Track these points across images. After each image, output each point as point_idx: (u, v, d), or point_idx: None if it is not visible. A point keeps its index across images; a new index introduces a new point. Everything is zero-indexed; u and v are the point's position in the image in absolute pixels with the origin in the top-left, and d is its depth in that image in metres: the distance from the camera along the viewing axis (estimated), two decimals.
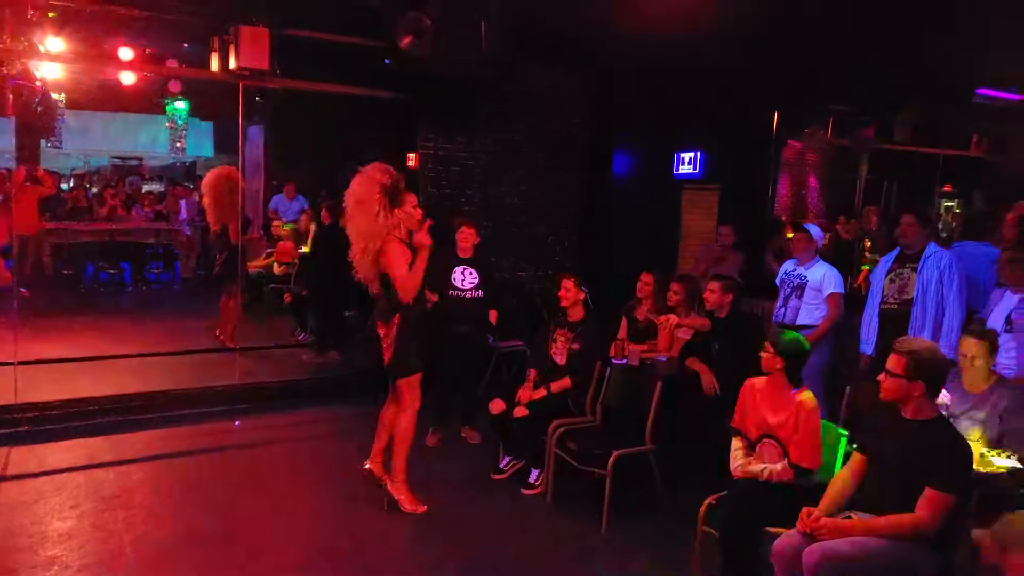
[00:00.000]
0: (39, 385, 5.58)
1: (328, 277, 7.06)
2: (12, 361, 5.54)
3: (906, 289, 4.59)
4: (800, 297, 4.97)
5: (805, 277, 4.98)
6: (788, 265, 5.24)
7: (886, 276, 4.75)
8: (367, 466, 4.25)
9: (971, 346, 3.40)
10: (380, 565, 3.60)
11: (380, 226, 3.96)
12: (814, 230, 5.25)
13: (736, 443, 3.52)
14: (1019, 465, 3.11)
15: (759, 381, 3.51)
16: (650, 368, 4.64)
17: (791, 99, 7.01)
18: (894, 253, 4.81)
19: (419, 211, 4.14)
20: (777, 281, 5.27)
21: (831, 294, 4.87)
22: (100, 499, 4.21)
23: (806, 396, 3.32)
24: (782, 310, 5.06)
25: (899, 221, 4.76)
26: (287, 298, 8.07)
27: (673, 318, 4.73)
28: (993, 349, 3.38)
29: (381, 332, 4.10)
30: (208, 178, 7.20)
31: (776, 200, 7.90)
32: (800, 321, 4.89)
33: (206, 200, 7.15)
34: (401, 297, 3.99)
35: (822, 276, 4.93)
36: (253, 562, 3.59)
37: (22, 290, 9.14)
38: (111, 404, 5.55)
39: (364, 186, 4.01)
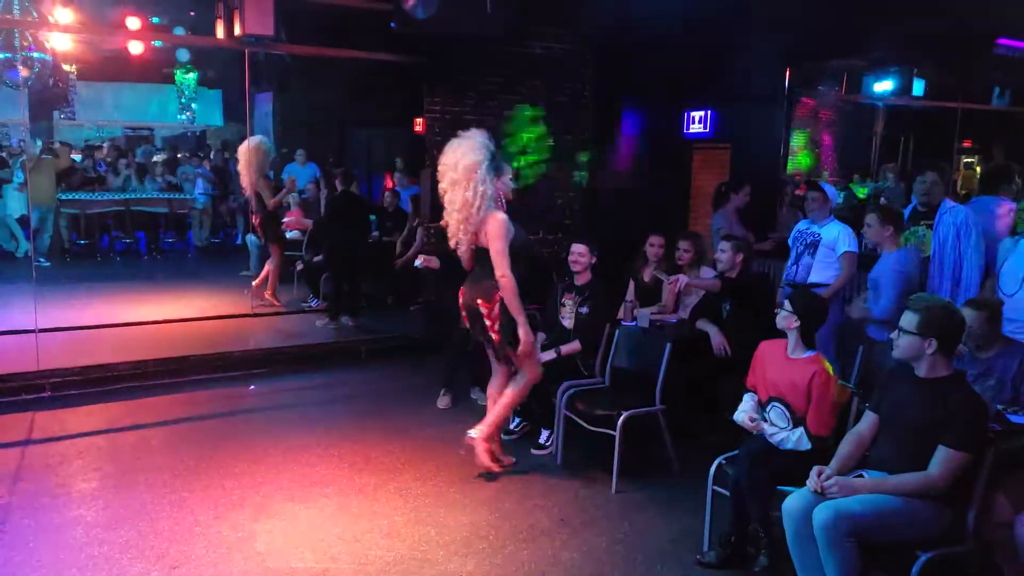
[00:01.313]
0: (60, 352, 5.70)
1: (341, 244, 7.12)
2: (33, 329, 5.66)
3: (922, 247, 4.53)
4: (813, 255, 4.94)
5: (819, 235, 4.94)
6: (802, 224, 5.20)
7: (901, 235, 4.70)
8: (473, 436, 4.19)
9: (969, 316, 3.35)
10: (388, 529, 3.67)
11: (486, 196, 3.84)
12: (828, 188, 5.19)
13: (748, 398, 3.51)
14: None
15: (773, 343, 3.48)
16: (659, 330, 4.65)
17: (804, 55, 6.86)
18: (907, 211, 4.74)
19: (512, 184, 4.07)
20: (789, 240, 5.23)
21: (845, 252, 4.83)
22: (121, 461, 4.33)
23: (822, 364, 3.27)
24: (794, 268, 5.03)
25: (921, 178, 4.62)
26: (299, 265, 8.14)
27: (683, 278, 4.72)
28: (993, 318, 3.31)
29: (484, 309, 3.96)
30: (243, 147, 7.34)
31: (786, 158, 7.79)
32: (812, 279, 4.86)
33: (241, 167, 7.33)
34: (498, 272, 3.85)
35: (836, 235, 4.88)
36: (267, 522, 3.68)
37: (41, 260, 9.32)
38: (130, 370, 5.67)
39: (471, 153, 3.85)
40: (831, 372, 3.28)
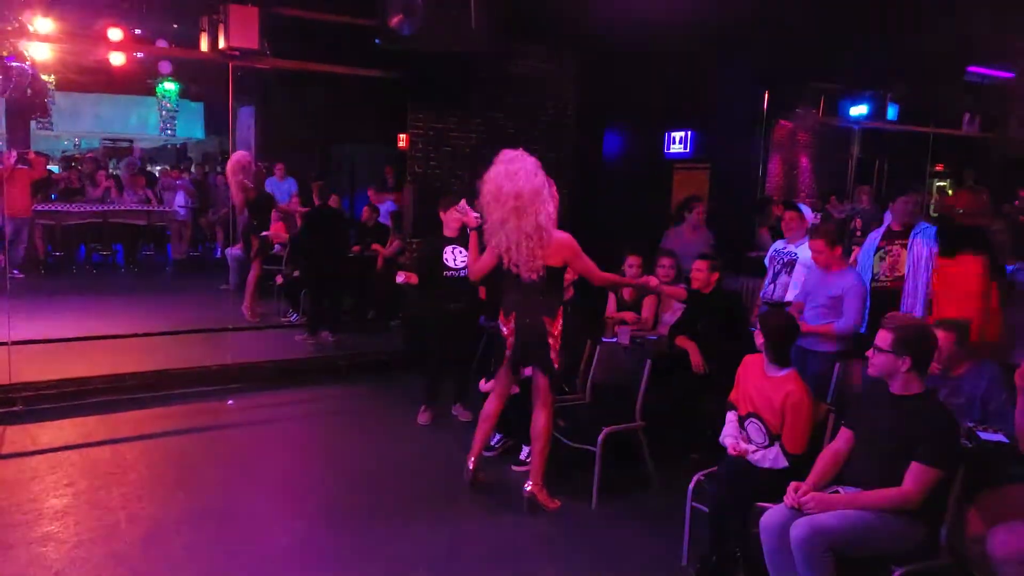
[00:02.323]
0: (33, 365, 5.61)
1: (320, 259, 7.10)
2: (6, 341, 5.56)
3: (897, 265, 4.62)
4: (790, 274, 5.03)
5: (795, 254, 5.03)
6: (778, 244, 5.29)
7: (875, 254, 4.78)
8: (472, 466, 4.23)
9: (940, 336, 3.41)
10: (368, 545, 3.64)
11: (551, 218, 3.84)
12: (805, 209, 5.29)
13: (730, 417, 3.55)
14: (1005, 440, 3.13)
15: (754, 358, 3.53)
16: (639, 346, 4.69)
17: (782, 78, 7.01)
18: (881, 230, 4.84)
19: (557, 196, 4.03)
20: (766, 259, 5.32)
21: None
22: (95, 477, 4.26)
23: (796, 384, 3.31)
24: (771, 287, 5.11)
25: (897, 200, 4.78)
26: (279, 280, 8.09)
27: (653, 279, 4.69)
28: (962, 338, 3.37)
29: (550, 327, 3.93)
30: (231, 163, 7.53)
31: (767, 180, 7.92)
32: (788, 298, 4.94)
33: (231, 182, 7.52)
34: (597, 277, 4.05)
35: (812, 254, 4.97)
36: (246, 540, 3.64)
37: (15, 272, 9.17)
38: (105, 384, 5.59)
39: (533, 178, 3.81)
40: (805, 392, 3.32)
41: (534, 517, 3.97)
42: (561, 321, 3.98)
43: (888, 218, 5.88)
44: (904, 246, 4.64)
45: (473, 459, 4.24)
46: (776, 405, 3.29)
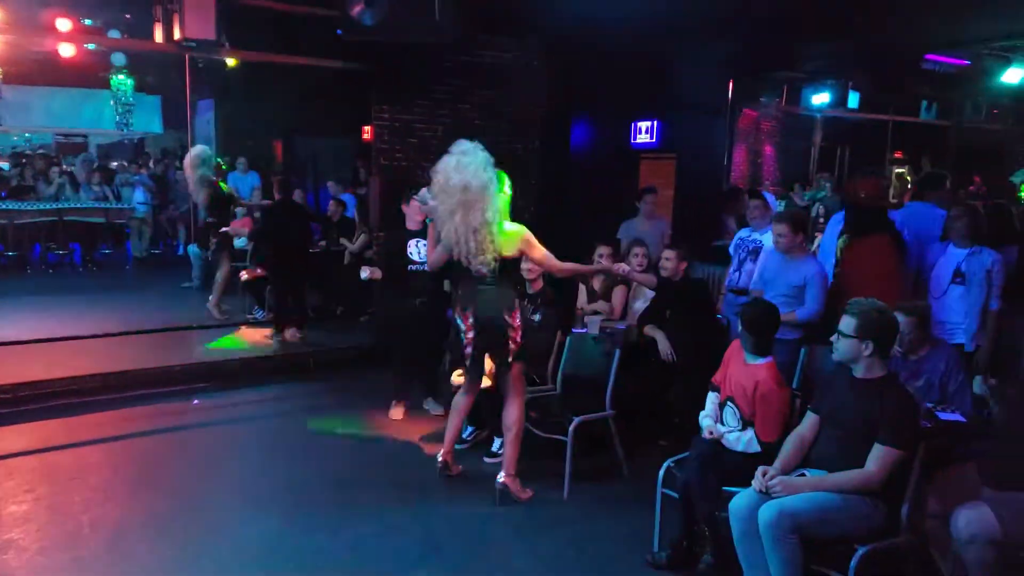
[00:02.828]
0: None
1: (282, 254, 6.98)
2: None
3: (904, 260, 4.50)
4: (755, 261, 5.07)
5: (760, 242, 5.08)
6: (743, 232, 5.34)
7: (838, 239, 4.74)
8: (441, 459, 4.23)
9: (899, 319, 3.47)
10: (345, 541, 3.61)
11: (500, 212, 3.88)
12: (769, 197, 5.34)
13: (712, 398, 3.55)
14: (963, 419, 3.22)
15: (739, 343, 3.51)
16: (609, 336, 4.70)
17: (746, 68, 7.07)
18: (841, 215, 4.83)
19: (509, 193, 4.09)
20: (731, 248, 5.36)
21: None
22: (56, 482, 4.15)
23: (769, 375, 3.31)
24: (736, 274, 5.16)
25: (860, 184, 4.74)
26: (243, 276, 7.96)
27: (624, 266, 4.69)
28: (922, 322, 3.42)
29: (511, 319, 3.95)
30: (189, 157, 7.41)
31: (732, 169, 8.00)
32: (753, 285, 4.99)
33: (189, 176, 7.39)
34: (556, 266, 4.12)
35: None
36: (214, 541, 3.57)
37: None
38: (65, 386, 5.45)
39: (482, 172, 3.84)
40: (776, 382, 3.32)
41: (506, 507, 3.98)
42: (519, 312, 4.03)
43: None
44: None
45: (444, 452, 4.23)
46: (749, 393, 3.32)
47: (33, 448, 4.63)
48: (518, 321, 4.00)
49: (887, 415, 2.80)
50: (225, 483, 4.28)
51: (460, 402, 4.26)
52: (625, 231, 6.36)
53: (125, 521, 3.73)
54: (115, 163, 13.36)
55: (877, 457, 2.79)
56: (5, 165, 11.82)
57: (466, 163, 3.85)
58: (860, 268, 4.29)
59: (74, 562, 3.32)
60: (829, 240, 4.91)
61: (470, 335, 4.01)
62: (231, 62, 8.89)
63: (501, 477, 4.03)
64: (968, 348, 4.09)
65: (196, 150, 7.36)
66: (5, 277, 9.77)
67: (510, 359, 3.99)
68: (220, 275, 7.52)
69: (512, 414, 4.04)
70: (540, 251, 4.06)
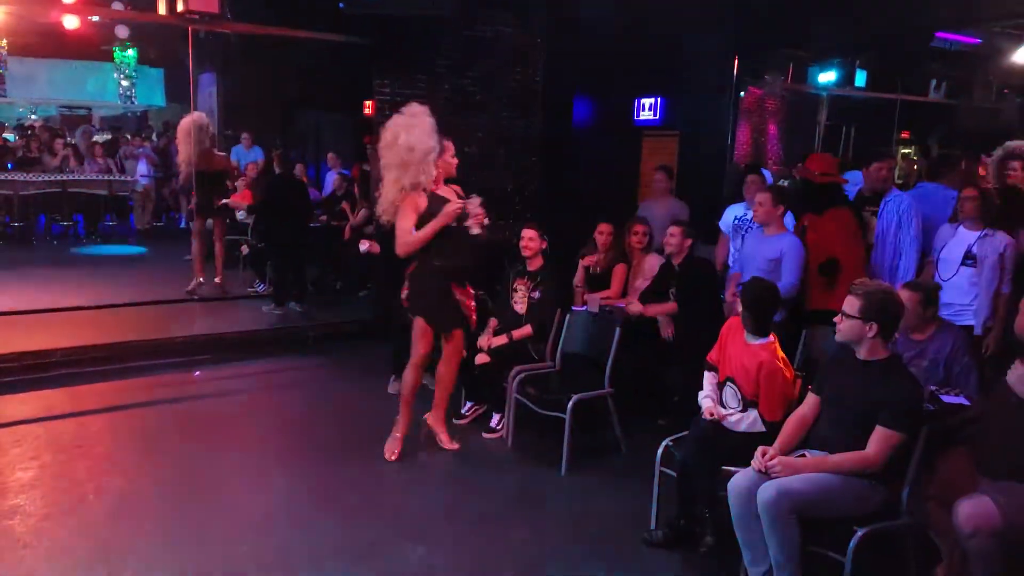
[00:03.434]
0: None
1: (282, 229, 6.98)
2: None
3: (866, 233, 4.56)
4: None
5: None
6: (738, 210, 5.22)
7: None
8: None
9: (904, 297, 3.45)
10: (340, 514, 3.65)
11: (428, 175, 3.97)
12: (767, 174, 5.27)
13: (709, 378, 3.54)
14: (966, 402, 3.19)
15: (738, 321, 3.49)
16: (609, 315, 4.71)
17: (752, 45, 6.98)
18: (851, 196, 4.76)
19: (455, 160, 4.17)
20: (729, 228, 5.28)
21: None
22: (60, 450, 4.19)
23: (772, 354, 3.30)
24: (738, 254, 5.10)
25: (871, 164, 4.69)
26: (244, 250, 7.98)
27: (637, 305, 4.72)
28: (927, 300, 3.38)
29: (461, 295, 4.13)
30: (183, 126, 7.26)
31: (735, 147, 7.93)
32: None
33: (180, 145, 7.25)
34: (399, 250, 4.04)
35: None
36: (215, 511, 3.62)
37: None
38: (68, 356, 5.49)
39: (427, 138, 3.94)
40: (780, 362, 3.32)
41: (504, 482, 4.01)
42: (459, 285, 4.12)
43: (858, 180, 5.91)
44: (874, 213, 4.56)
45: (399, 435, 4.26)
46: (752, 374, 3.31)
47: (38, 416, 4.68)
48: (460, 293, 4.12)
49: (890, 397, 2.80)
50: (225, 452, 4.32)
51: (409, 380, 4.26)
52: (644, 211, 6.27)
53: (128, 489, 3.77)
54: (109, 136, 13.23)
55: (878, 439, 2.78)
56: (11, 136, 11.80)
57: (414, 124, 3.97)
58: (824, 242, 4.33)
59: (78, 528, 3.37)
60: None
61: (406, 303, 4.17)
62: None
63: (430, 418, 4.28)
64: (978, 331, 4.04)
65: (192, 118, 7.27)
66: (10, 248, 9.81)
67: (462, 323, 4.17)
68: (218, 249, 7.49)
69: (442, 371, 4.28)
70: (401, 222, 4.02)
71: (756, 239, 4.47)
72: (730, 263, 5.20)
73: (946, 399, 3.20)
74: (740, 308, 3.42)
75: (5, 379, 5.18)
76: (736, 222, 5.21)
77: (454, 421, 4.79)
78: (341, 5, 5.98)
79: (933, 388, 3.24)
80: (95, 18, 10.20)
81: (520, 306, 4.79)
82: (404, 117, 4.02)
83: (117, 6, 9.20)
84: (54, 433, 4.44)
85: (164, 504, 3.65)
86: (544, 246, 4.78)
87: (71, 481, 3.83)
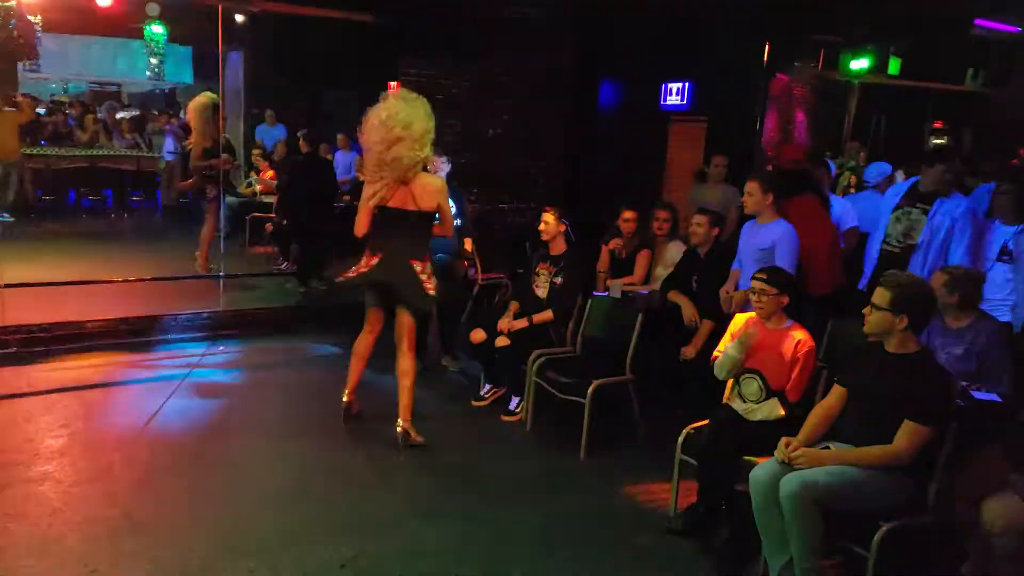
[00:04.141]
0: (26, 308, 5.57)
1: (307, 207, 7.03)
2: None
3: (912, 233, 4.27)
4: None
5: None
6: None
7: (892, 212, 4.39)
8: (347, 399, 4.36)
9: (935, 279, 3.41)
10: (361, 488, 3.70)
11: (421, 159, 3.99)
12: (832, 166, 5.20)
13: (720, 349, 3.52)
14: (998, 399, 3.15)
15: (752, 320, 3.48)
16: (631, 300, 4.70)
17: (782, 30, 6.87)
18: (905, 185, 4.47)
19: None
20: None
21: (850, 228, 4.87)
22: (89, 419, 4.29)
23: (805, 334, 3.33)
24: None
25: (935, 165, 4.27)
26: (268, 228, 8.05)
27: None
28: (957, 285, 3.30)
29: (418, 268, 4.08)
30: (192, 105, 7.12)
31: (763, 134, 7.83)
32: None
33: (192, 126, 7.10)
34: (449, 226, 4.20)
35: (838, 211, 4.88)
36: (238, 483, 3.69)
37: (4, 215, 9.10)
38: (97, 328, 5.59)
39: (427, 119, 3.99)
40: (812, 343, 3.37)
41: (523, 466, 4.04)
42: (429, 261, 4.16)
43: (885, 172, 5.80)
44: (925, 212, 4.23)
45: (348, 392, 4.32)
46: (786, 356, 3.31)
47: (68, 386, 4.78)
48: (428, 271, 4.12)
49: (919, 391, 2.76)
50: (248, 425, 4.40)
51: (361, 345, 4.34)
52: (693, 197, 6.17)
53: (154, 460, 3.85)
54: (135, 112, 13.33)
55: (907, 434, 2.74)
56: (43, 111, 11.98)
57: (414, 105, 4.00)
58: (802, 220, 4.22)
59: (106, 496, 3.45)
60: (884, 210, 4.48)
61: (364, 270, 4.10)
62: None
63: (400, 424, 4.12)
64: (1016, 328, 3.93)
65: (201, 97, 7.18)
66: (43, 220, 9.99)
67: (421, 305, 4.16)
68: (204, 230, 7.15)
69: (403, 365, 4.15)
70: (448, 209, 4.17)
71: (748, 230, 4.22)
72: None
73: (977, 395, 3.15)
74: (733, 307, 3.39)
75: (37, 348, 5.30)
76: None
77: (472, 403, 4.82)
78: None
79: (964, 384, 3.19)
80: None
81: (542, 290, 4.79)
82: (399, 100, 4.03)
83: None
84: (84, 402, 4.54)
85: (187, 475, 3.72)
86: (563, 230, 4.75)
87: (100, 450, 3.92)
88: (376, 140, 3.96)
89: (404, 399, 4.14)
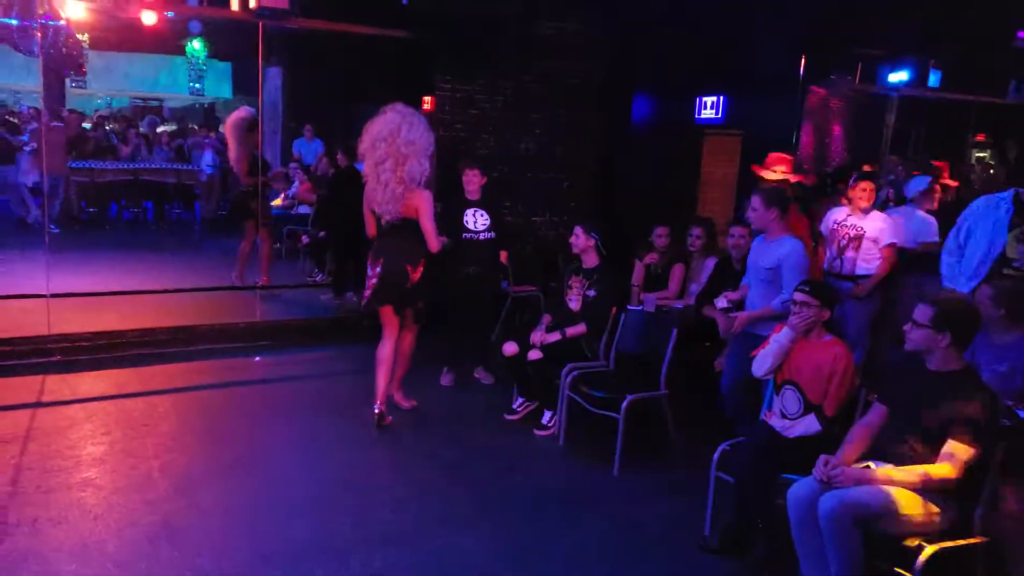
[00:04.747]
0: (70, 318, 5.72)
1: (345, 220, 7.10)
2: (45, 294, 5.70)
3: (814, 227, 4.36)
4: (857, 249, 4.85)
5: (862, 228, 4.85)
6: (839, 214, 5.02)
7: (1009, 232, 4.07)
8: (378, 410, 4.51)
9: (981, 293, 3.34)
10: (394, 499, 3.72)
11: (425, 175, 4.28)
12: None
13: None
14: None
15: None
16: (665, 315, 4.67)
17: (819, 43, 6.80)
18: (1006, 197, 4.16)
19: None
20: (825, 231, 5.08)
21: (890, 244, 4.80)
22: (129, 427, 4.38)
23: (842, 348, 3.30)
24: (837, 261, 4.92)
25: None
26: (305, 240, 8.17)
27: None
28: (1004, 299, 3.24)
29: (415, 276, 4.41)
30: (229, 120, 7.26)
31: (799, 148, 7.75)
32: (859, 272, 4.83)
33: (229, 142, 7.23)
34: (433, 241, 4.42)
35: (880, 227, 4.83)
36: (272, 492, 3.72)
37: (51, 227, 9.37)
38: (137, 337, 5.71)
39: (427, 134, 4.29)
40: (851, 356, 3.33)
41: (555, 481, 4.02)
42: (423, 268, 4.42)
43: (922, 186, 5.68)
44: None
45: (379, 403, 4.52)
46: (824, 370, 3.26)
47: (109, 394, 4.89)
48: (419, 276, 4.41)
49: (964, 410, 2.69)
50: (283, 434, 4.45)
51: (383, 352, 4.58)
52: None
53: (191, 467, 3.92)
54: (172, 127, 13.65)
55: (951, 454, 2.68)
56: (88, 126, 12.36)
57: (412, 121, 4.28)
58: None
59: (145, 504, 3.51)
60: (999, 228, 4.13)
61: (372, 281, 4.43)
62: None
63: (377, 407, 4.49)
64: None
65: (239, 113, 7.24)
66: (87, 232, 10.28)
67: (420, 310, 4.57)
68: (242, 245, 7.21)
69: (405, 342, 4.67)
70: (428, 222, 4.39)
71: (757, 246, 4.08)
72: (824, 267, 5.04)
73: (1023, 414, 3.07)
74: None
75: (80, 357, 5.43)
76: (835, 226, 4.99)
77: (505, 417, 4.82)
78: (404, 2, 6.06)
79: (1010, 403, 3.11)
80: (171, 14, 10.56)
81: (575, 303, 4.78)
82: (398, 115, 4.26)
83: (192, 3, 9.52)
84: (124, 411, 4.64)
85: (223, 483, 3.77)
86: (592, 243, 4.73)
87: (139, 458, 3.99)
88: (369, 152, 4.30)
89: (398, 372, 4.74)
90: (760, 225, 4.00)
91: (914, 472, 2.74)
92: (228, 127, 7.21)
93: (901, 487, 2.73)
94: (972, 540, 2.73)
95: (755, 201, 3.96)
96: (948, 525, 2.73)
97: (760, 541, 3.26)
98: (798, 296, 3.37)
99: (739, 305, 4.08)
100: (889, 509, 2.69)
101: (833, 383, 3.25)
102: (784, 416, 3.38)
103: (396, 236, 4.41)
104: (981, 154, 10.76)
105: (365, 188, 4.46)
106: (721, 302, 4.11)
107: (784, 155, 5.52)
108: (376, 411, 4.49)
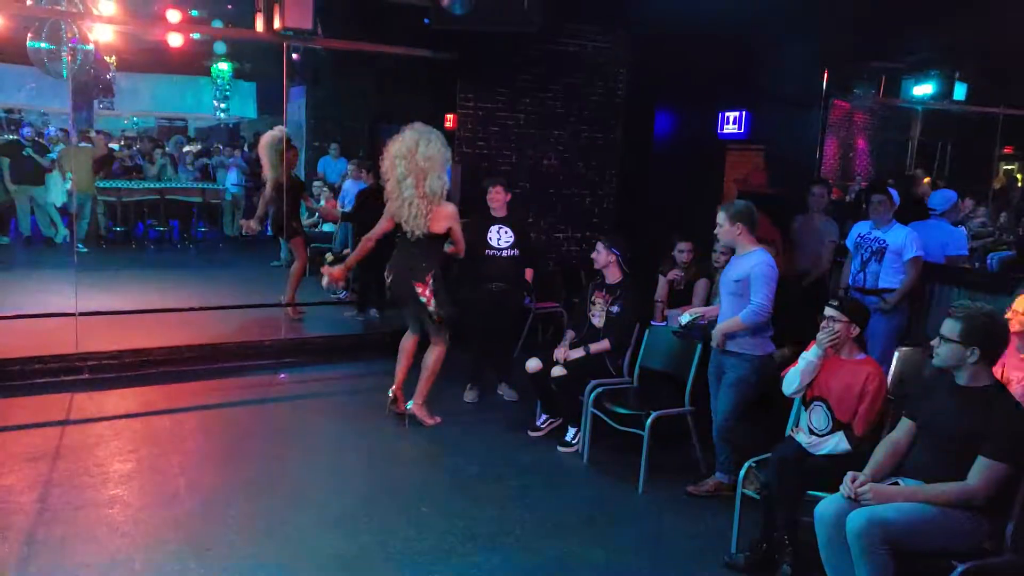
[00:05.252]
0: (97, 336, 5.80)
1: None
2: (73, 312, 5.79)
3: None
4: (879, 262, 4.83)
5: (884, 241, 4.83)
6: (862, 227, 5.01)
7: None
8: (393, 392, 4.87)
9: (1016, 303, 3.27)
10: (419, 519, 3.70)
11: (445, 188, 4.50)
12: (893, 193, 5.11)
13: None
14: None
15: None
16: (689, 331, 4.62)
17: (842, 57, 6.77)
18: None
19: None
20: (851, 244, 5.08)
21: (913, 257, 4.75)
22: (156, 444, 4.42)
23: (875, 367, 3.27)
24: (860, 275, 4.91)
25: None
26: (328, 257, 8.22)
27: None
28: None
29: (420, 288, 4.61)
30: (263, 140, 7.31)
31: (822, 162, 7.70)
32: (882, 285, 4.80)
33: (263, 162, 7.27)
34: (460, 251, 4.79)
35: (903, 239, 4.79)
36: (296, 508, 3.73)
37: (79, 246, 9.53)
38: (164, 355, 5.78)
39: (444, 149, 4.51)
40: (884, 375, 3.30)
41: (580, 497, 3.99)
42: (432, 281, 4.59)
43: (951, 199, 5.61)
44: None
45: (396, 387, 4.84)
46: (854, 389, 3.23)
47: (136, 411, 4.94)
48: (429, 291, 4.58)
49: (994, 426, 2.64)
50: (309, 451, 4.48)
51: (407, 343, 4.88)
52: (794, 227, 5.80)
53: (217, 484, 3.94)
54: (212, 147, 13.92)
55: (982, 471, 2.63)
56: (115, 146, 12.60)
57: (430, 138, 4.47)
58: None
59: (171, 520, 3.53)
60: None
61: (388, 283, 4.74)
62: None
63: (410, 405, 4.78)
64: None
65: (273, 132, 7.17)
66: (114, 251, 10.45)
67: (431, 318, 4.67)
68: (296, 268, 7.03)
69: (431, 355, 4.79)
70: (459, 230, 4.69)
71: (731, 262, 4.01)
72: (849, 282, 5.02)
73: None
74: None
75: (107, 375, 5.50)
76: (859, 240, 4.99)
77: (529, 434, 4.79)
78: (426, 21, 6.13)
79: None
80: (197, 35, 10.79)
81: (598, 319, 4.76)
82: (416, 133, 4.47)
83: (217, 24, 9.72)
84: (151, 428, 4.69)
85: (250, 500, 3.79)
86: (613, 259, 4.71)
87: (165, 475, 4.03)
88: (391, 171, 4.50)
89: (422, 386, 4.83)
90: (727, 239, 3.93)
91: (944, 490, 2.69)
92: (262, 147, 7.23)
93: (931, 504, 2.68)
94: (1004, 558, 2.67)
95: (719, 217, 3.89)
96: (979, 542, 2.68)
97: (787, 559, 3.22)
98: (827, 311, 3.34)
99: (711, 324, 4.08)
100: (918, 527, 2.64)
101: (864, 403, 3.21)
102: (812, 432, 3.34)
103: (407, 253, 4.63)
104: (1009, 167, 10.63)
105: (387, 204, 4.61)
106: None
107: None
108: (391, 392, 4.83)
